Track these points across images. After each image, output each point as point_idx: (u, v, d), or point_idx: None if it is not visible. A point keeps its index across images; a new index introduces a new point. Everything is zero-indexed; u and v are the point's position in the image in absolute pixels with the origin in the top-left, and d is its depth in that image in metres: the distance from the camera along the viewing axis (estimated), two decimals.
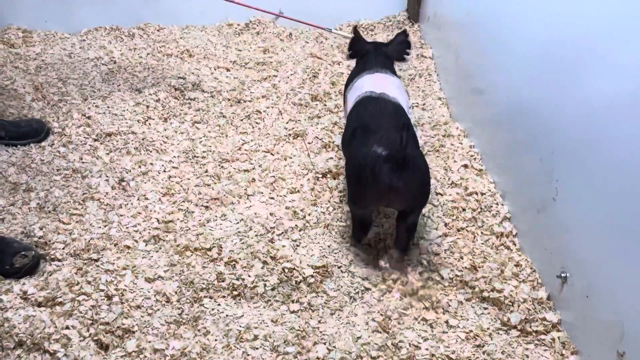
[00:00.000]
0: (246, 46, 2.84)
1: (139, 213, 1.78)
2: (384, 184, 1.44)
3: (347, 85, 1.93)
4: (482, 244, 1.67)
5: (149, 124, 2.22)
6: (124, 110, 2.26)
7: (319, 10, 2.96)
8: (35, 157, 2.01)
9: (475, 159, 1.98)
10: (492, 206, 1.77)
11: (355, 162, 1.52)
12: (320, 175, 1.96)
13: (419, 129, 2.22)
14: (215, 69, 2.59)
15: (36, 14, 2.89)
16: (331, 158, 2.03)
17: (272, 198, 1.87)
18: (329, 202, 1.84)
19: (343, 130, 1.82)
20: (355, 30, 2.02)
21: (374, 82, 1.78)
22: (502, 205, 1.76)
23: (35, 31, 2.91)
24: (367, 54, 1.92)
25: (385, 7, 2.99)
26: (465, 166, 1.95)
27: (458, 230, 1.72)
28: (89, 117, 2.22)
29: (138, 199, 1.84)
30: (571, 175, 1.34)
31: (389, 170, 1.42)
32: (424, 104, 2.39)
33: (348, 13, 2.99)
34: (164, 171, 1.98)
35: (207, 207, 1.82)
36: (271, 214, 1.78)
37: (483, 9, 2.01)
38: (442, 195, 1.85)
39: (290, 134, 2.19)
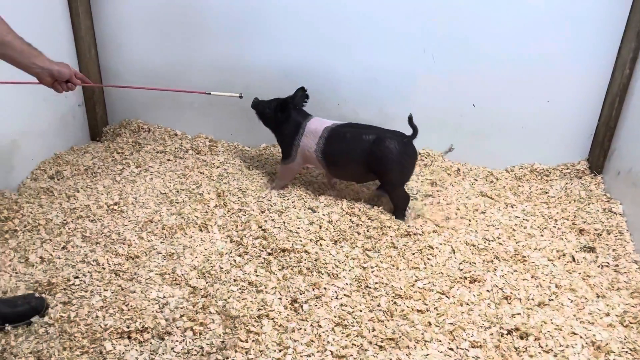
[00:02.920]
0: (414, 177, 2.83)
1: (312, 342, 1.71)
2: (416, 155, 2.46)
3: (288, 138, 2.57)
4: None
5: (321, 244, 2.22)
6: (299, 228, 2.29)
7: (490, 149, 2.93)
8: (215, 264, 2.07)
9: None
10: None
11: (395, 154, 2.35)
12: (505, 332, 1.77)
13: (614, 293, 1.98)
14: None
15: (222, 126, 3.18)
16: (518, 314, 1.84)
17: (451, 349, 1.71)
18: None
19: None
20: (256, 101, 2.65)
21: (321, 122, 2.54)
22: None
23: (220, 141, 3.19)
24: (289, 109, 2.55)
25: (564, 153, 2.87)
26: None
27: None
28: (264, 230, 2.28)
29: (311, 325, 1.78)
30: None
31: (414, 147, 2.42)
32: (616, 265, 2.15)
33: (522, 155, 2.91)
34: (337, 298, 1.92)
35: (381, 346, 1.71)
36: None
37: None
38: None
39: (465, 277, 2.06)
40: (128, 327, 1.72)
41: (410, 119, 2.38)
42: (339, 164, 2.50)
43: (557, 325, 1.80)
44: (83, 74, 2.98)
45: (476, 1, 2.62)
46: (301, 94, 2.60)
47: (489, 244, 2.27)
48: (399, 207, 2.46)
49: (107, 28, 3.03)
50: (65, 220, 2.29)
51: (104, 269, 2.02)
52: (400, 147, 2.37)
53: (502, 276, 2.07)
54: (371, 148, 2.38)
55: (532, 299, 1.95)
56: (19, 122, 2.60)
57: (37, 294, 1.84)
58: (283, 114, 2.57)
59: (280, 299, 1.91)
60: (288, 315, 1.83)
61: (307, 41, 2.85)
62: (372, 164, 2.41)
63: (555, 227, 2.43)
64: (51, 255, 2.09)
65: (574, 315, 1.87)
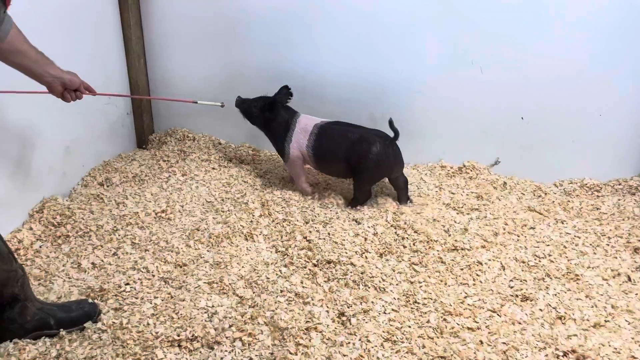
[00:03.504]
0: (459, 190, 2.79)
1: (362, 357, 1.69)
2: (398, 157, 2.52)
3: (280, 136, 2.66)
4: None
5: (366, 257, 2.20)
6: (344, 240, 2.28)
7: (538, 163, 2.86)
8: (262, 274, 2.07)
9: None
10: None
11: (373, 154, 2.45)
12: (560, 354, 1.71)
13: None
14: (430, 210, 2.56)
15: (265, 136, 3.19)
16: (574, 335, 1.78)
17: None
18: None
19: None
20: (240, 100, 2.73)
21: (309, 119, 2.63)
22: None
23: (262, 150, 3.21)
24: (277, 108, 2.63)
25: (616, 169, 2.78)
26: None
27: None
28: (309, 241, 2.28)
29: (360, 340, 1.76)
30: None
31: (396, 149, 2.50)
32: None
33: (571, 170, 2.84)
34: (384, 312, 1.90)
35: None
36: None
37: None
38: None
39: (517, 295, 2.01)
40: (178, 336, 1.73)
41: (390, 123, 2.48)
42: (327, 160, 2.60)
43: (616, 348, 1.73)
44: (132, 83, 3.08)
45: (525, 13, 2.57)
46: (285, 92, 2.67)
47: (540, 261, 2.21)
48: (358, 200, 2.60)
49: (156, 39, 3.09)
50: (115, 226, 2.34)
51: (153, 276, 2.05)
52: (379, 149, 2.46)
53: (555, 295, 2.01)
54: (353, 147, 2.49)
55: (588, 320, 1.89)
56: (72, 129, 2.67)
57: (90, 300, 1.87)
58: (272, 113, 2.64)
59: (327, 311, 1.89)
60: (336, 328, 1.82)
61: (350, 51, 2.84)
62: (351, 162, 2.51)
63: (608, 245, 2.34)
64: (102, 261, 2.14)
65: (632, 338, 1.80)
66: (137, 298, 1.93)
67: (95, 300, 1.90)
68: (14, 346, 1.69)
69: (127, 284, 2.00)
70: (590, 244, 2.35)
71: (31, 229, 2.27)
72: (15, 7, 1.59)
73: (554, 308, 1.94)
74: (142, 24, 3.05)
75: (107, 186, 2.71)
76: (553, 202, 2.70)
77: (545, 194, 2.78)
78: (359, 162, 2.49)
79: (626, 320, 1.89)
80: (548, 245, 2.33)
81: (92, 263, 2.12)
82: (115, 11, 2.88)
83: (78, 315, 1.79)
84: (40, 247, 2.21)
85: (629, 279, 2.12)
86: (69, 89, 1.86)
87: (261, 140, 3.21)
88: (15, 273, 1.63)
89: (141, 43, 3.06)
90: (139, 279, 2.03)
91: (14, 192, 2.28)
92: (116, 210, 2.47)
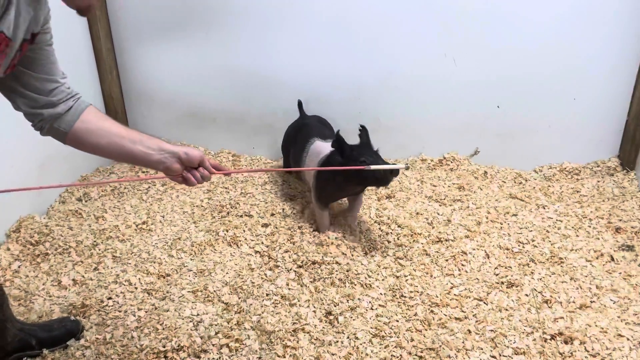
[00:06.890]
0: (440, 182, 2.79)
1: (350, 354, 1.67)
2: None
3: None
4: None
5: (352, 255, 2.19)
6: (327, 238, 2.26)
7: (517, 150, 2.88)
8: (247, 279, 2.05)
9: None
10: None
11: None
12: (548, 337, 1.72)
13: None
14: (413, 204, 2.56)
15: (244, 141, 3.18)
16: (560, 318, 1.79)
17: (494, 357, 1.66)
18: None
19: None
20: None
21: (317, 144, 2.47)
22: None
23: (242, 155, 3.18)
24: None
25: (593, 151, 2.80)
26: None
27: None
28: (293, 243, 2.26)
29: (348, 337, 1.74)
30: None
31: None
32: None
33: (550, 155, 2.86)
34: (372, 309, 1.89)
35: (421, 357, 1.67)
36: None
37: None
38: None
39: (502, 282, 2.01)
40: (164, 347, 1.70)
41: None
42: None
43: (602, 328, 1.74)
44: (105, 96, 3.04)
45: (496, 2, 2.59)
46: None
47: (524, 247, 2.22)
48: None
49: (128, 49, 3.05)
50: (95, 241, 2.30)
51: (136, 288, 2.02)
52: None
53: (540, 279, 2.02)
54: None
55: (573, 302, 1.90)
56: (45, 146, 2.61)
57: (72, 317, 1.84)
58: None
59: (314, 312, 1.88)
60: (324, 328, 1.80)
61: (325, 50, 2.83)
62: None
63: (590, 226, 2.36)
64: (83, 277, 2.10)
65: (619, 317, 1.81)
66: (120, 312, 1.89)
67: (78, 317, 1.87)
68: None
69: (110, 298, 1.96)
70: (573, 227, 2.37)
71: (9, 249, 2.23)
72: None
73: (539, 292, 1.94)
74: (112, 36, 3.01)
75: (86, 201, 2.67)
76: (534, 188, 2.71)
77: (526, 180, 2.80)
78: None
79: (611, 300, 1.90)
80: (531, 230, 2.34)
81: (73, 279, 2.08)
82: (83, 23, 2.84)
83: (60, 334, 1.75)
84: (19, 267, 2.16)
85: (612, 259, 2.13)
86: (188, 168, 1.37)
87: (240, 145, 3.19)
88: None
89: (112, 55, 3.02)
90: (121, 292, 1.99)
91: None
92: (95, 224, 2.43)
